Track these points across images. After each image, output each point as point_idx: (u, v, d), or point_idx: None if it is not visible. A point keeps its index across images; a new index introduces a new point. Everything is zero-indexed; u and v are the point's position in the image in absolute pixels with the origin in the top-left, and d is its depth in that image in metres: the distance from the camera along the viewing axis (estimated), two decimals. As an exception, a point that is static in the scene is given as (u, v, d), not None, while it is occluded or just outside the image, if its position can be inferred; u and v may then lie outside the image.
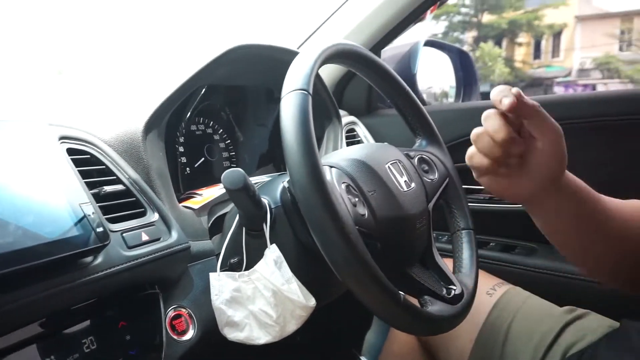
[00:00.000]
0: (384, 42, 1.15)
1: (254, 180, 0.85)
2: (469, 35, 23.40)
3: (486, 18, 22.62)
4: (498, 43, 23.28)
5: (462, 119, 1.12)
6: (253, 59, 0.87)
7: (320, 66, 0.62)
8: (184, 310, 0.67)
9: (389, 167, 0.70)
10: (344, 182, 0.63)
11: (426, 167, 0.80)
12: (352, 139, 1.12)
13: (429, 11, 1.15)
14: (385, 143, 1.01)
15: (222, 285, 0.66)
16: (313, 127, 0.55)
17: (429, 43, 1.39)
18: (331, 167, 0.65)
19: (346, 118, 1.13)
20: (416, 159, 0.79)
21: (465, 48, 23.21)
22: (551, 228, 0.71)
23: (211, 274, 0.66)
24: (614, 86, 20.37)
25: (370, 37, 1.12)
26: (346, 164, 0.67)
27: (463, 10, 22.67)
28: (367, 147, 0.77)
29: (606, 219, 0.68)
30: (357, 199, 0.63)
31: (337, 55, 0.67)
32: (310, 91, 0.58)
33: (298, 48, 1.13)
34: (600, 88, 20.86)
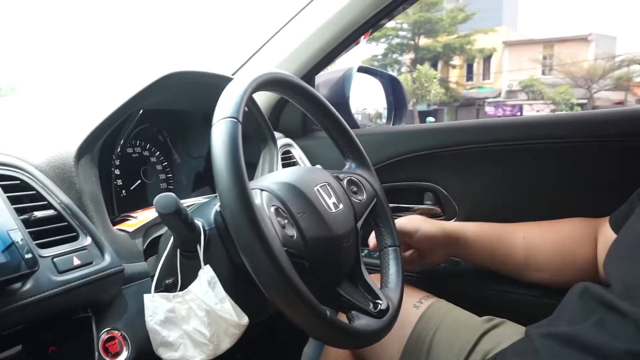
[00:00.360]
0: (317, 69, 1.18)
1: (190, 202, 0.86)
2: (407, 57, 24.16)
3: (423, 41, 23.46)
4: (434, 65, 24.18)
5: (391, 142, 1.17)
6: (188, 85, 0.88)
7: (250, 94, 0.64)
8: (117, 332, 0.66)
9: (318, 189, 0.72)
10: (273, 205, 0.64)
11: (355, 189, 0.83)
12: (288, 160, 1.14)
13: (362, 37, 1.19)
14: (317, 166, 1.03)
15: (156, 306, 0.65)
16: (242, 153, 0.57)
17: (362, 69, 1.44)
18: (262, 190, 0.67)
19: (282, 140, 1.15)
20: (345, 181, 0.82)
21: (403, 69, 23.93)
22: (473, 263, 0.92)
23: (145, 296, 0.66)
24: (538, 107, 21.57)
25: (303, 64, 1.14)
26: (277, 187, 0.69)
27: (401, 33, 23.42)
28: (297, 170, 0.78)
29: (513, 252, 0.91)
30: (286, 221, 0.64)
31: (268, 83, 0.69)
32: (240, 119, 0.59)
33: (234, 74, 1.15)
34: (527, 108, 22.03)
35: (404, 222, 0.95)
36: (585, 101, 21.29)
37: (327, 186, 0.75)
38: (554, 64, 23.00)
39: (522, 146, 1.06)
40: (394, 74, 23.94)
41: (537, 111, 21.57)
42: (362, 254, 1.20)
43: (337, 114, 0.84)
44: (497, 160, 1.09)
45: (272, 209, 0.64)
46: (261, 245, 0.54)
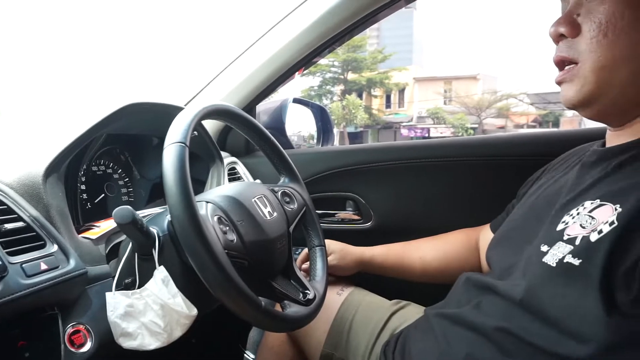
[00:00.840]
0: (258, 100, 1.19)
1: (147, 212, 0.84)
2: (338, 88, 24.56)
3: (350, 76, 23.96)
4: (360, 95, 24.73)
5: (319, 160, 1.20)
6: (146, 113, 0.87)
7: (197, 122, 0.65)
8: (82, 326, 0.63)
9: (255, 201, 0.73)
10: (216, 215, 0.65)
11: (288, 199, 0.84)
12: (234, 175, 1.14)
13: (297, 73, 1.21)
14: (257, 180, 1.04)
15: (116, 302, 0.64)
16: (188, 171, 0.57)
17: (296, 100, 1.46)
18: (207, 202, 0.67)
19: (228, 159, 1.14)
20: (279, 193, 0.83)
21: (335, 98, 24.28)
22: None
23: (107, 294, 0.64)
24: (441, 129, 22.58)
25: (245, 96, 1.14)
26: (220, 199, 0.69)
27: (333, 69, 23.81)
28: (238, 185, 0.78)
29: (413, 269, 0.95)
30: (227, 228, 0.65)
31: (213, 113, 0.70)
32: (187, 143, 0.60)
33: (188, 102, 1.14)
34: (433, 130, 23.00)
35: (330, 245, 0.98)
36: (476, 126, 22.52)
37: (264, 198, 0.76)
38: (452, 96, 24.21)
39: (423, 163, 1.11)
40: (328, 101, 24.31)
41: (441, 133, 22.59)
42: (297, 252, 1.23)
43: (272, 138, 0.85)
44: (405, 174, 1.13)
45: (215, 218, 0.64)
46: (205, 249, 0.55)
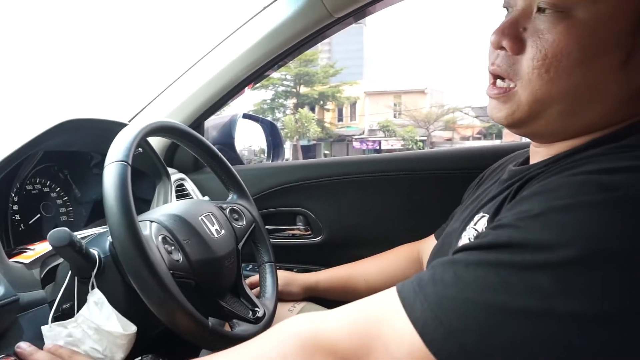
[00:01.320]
0: (206, 115, 1.17)
1: (88, 232, 0.80)
2: (291, 102, 24.66)
3: (303, 89, 24.14)
4: (312, 109, 24.96)
5: (269, 176, 1.20)
6: (86, 130, 0.84)
7: (140, 140, 0.63)
8: (12, 357, 0.59)
9: (202, 219, 0.72)
10: (161, 234, 0.63)
11: (236, 216, 0.84)
12: (182, 192, 1.11)
13: (247, 88, 1.21)
14: (205, 197, 1.02)
15: (54, 334, 0.60)
16: (130, 191, 0.56)
17: (246, 116, 1.46)
18: (152, 221, 0.65)
19: (176, 175, 1.11)
20: (228, 210, 0.82)
21: (288, 111, 24.37)
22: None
23: (43, 327, 0.60)
24: (392, 142, 23.20)
25: (193, 112, 1.12)
26: (165, 218, 0.68)
27: (285, 82, 23.91)
28: (185, 203, 0.77)
29: (357, 290, 0.95)
30: (173, 247, 0.63)
31: (156, 130, 0.69)
32: (129, 161, 0.58)
33: (131, 119, 1.11)
34: (384, 143, 23.59)
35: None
36: (425, 138, 23.36)
37: (211, 215, 0.75)
38: (402, 110, 25.00)
39: (370, 178, 1.13)
40: (281, 115, 24.33)
41: (392, 145, 23.19)
42: (248, 268, 1.21)
43: (219, 154, 0.85)
44: (353, 189, 1.15)
45: (160, 237, 0.63)
46: (148, 271, 0.53)
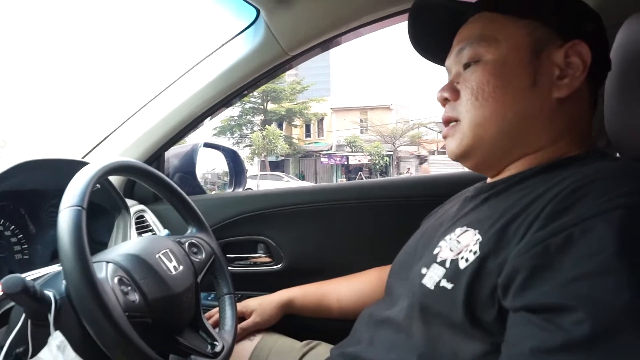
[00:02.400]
0: (166, 147, 1.19)
1: (44, 270, 0.80)
2: (258, 118, 24.62)
3: (270, 106, 24.16)
4: (280, 125, 25.01)
5: (229, 205, 1.22)
6: (42, 169, 0.84)
7: (96, 182, 0.64)
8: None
9: (159, 256, 0.73)
10: (117, 276, 0.64)
11: (195, 250, 0.85)
12: (142, 224, 1.11)
13: (206, 120, 1.23)
14: (163, 233, 1.02)
15: None
16: (85, 237, 0.57)
17: (207, 144, 1.47)
18: (108, 262, 0.66)
19: (135, 207, 1.12)
20: (187, 244, 0.83)
21: (256, 128, 24.32)
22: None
23: None
24: (359, 157, 23.51)
25: (153, 145, 1.14)
26: (121, 258, 0.68)
27: (252, 99, 23.89)
28: (142, 241, 0.77)
29: (331, 309, 0.99)
30: (129, 288, 0.64)
31: (112, 170, 0.70)
32: (84, 206, 0.59)
33: (87, 154, 1.11)
34: (351, 158, 23.85)
35: (248, 303, 1.01)
36: (391, 153, 23.81)
37: (168, 252, 0.76)
38: (368, 125, 25.42)
39: (328, 206, 1.17)
40: (248, 131, 24.19)
41: (359, 160, 23.50)
42: (210, 297, 1.22)
43: (178, 189, 0.86)
44: (311, 217, 1.19)
45: (116, 279, 0.63)
46: (103, 314, 0.54)
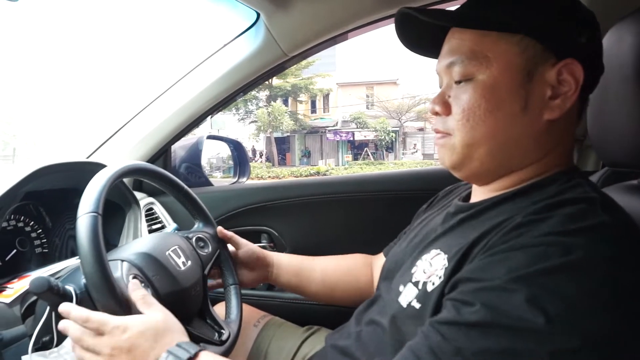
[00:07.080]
0: (173, 142, 1.24)
1: (63, 264, 0.87)
2: (263, 94, 24.37)
3: (275, 82, 23.81)
4: (285, 101, 24.73)
5: (234, 197, 1.27)
6: (58, 172, 0.90)
7: (110, 186, 0.70)
8: (0, 390, 0.66)
9: (169, 254, 0.79)
10: (132, 274, 0.70)
11: (202, 244, 0.90)
12: (152, 216, 1.17)
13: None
14: (173, 230, 1.08)
15: None
16: (102, 240, 0.63)
17: (211, 137, 1.53)
18: (122, 261, 0.72)
19: (145, 200, 1.17)
20: (194, 239, 0.89)
21: (261, 104, 24.15)
22: (286, 287, 0.98)
23: (23, 357, 0.67)
24: (365, 133, 23.31)
25: (161, 140, 1.20)
26: (135, 257, 0.74)
27: (257, 75, 23.46)
28: (153, 239, 0.82)
29: (313, 276, 0.98)
30: (143, 284, 0.71)
31: (124, 174, 0.75)
32: (100, 211, 0.65)
33: (93, 153, 1.16)
34: (357, 134, 23.69)
35: (239, 238, 0.98)
36: (397, 128, 23.61)
37: (177, 249, 0.82)
38: (374, 101, 25.08)
39: (326, 198, 1.23)
40: (254, 107, 23.98)
41: (365, 136, 23.33)
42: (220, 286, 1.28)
43: (184, 186, 0.92)
44: (311, 208, 1.24)
45: (131, 277, 0.70)
46: (120, 309, 0.62)
